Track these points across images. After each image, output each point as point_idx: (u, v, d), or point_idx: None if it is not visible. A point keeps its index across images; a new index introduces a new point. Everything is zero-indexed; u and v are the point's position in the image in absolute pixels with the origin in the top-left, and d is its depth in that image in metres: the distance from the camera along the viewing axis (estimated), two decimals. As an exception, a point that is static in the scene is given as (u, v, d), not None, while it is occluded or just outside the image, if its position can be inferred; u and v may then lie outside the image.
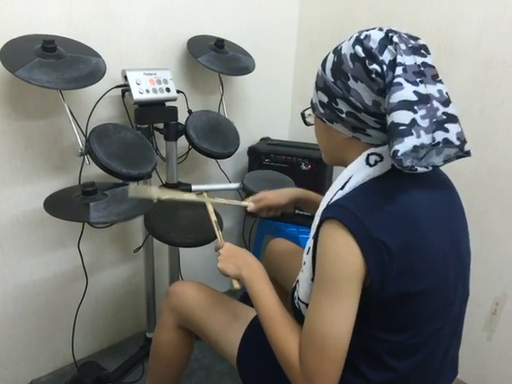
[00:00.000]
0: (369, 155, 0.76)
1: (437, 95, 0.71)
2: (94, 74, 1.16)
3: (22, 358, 1.50)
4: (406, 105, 0.67)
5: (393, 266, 0.69)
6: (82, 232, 1.31)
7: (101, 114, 1.37)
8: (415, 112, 0.68)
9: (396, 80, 0.68)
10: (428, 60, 0.73)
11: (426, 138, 0.68)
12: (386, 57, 0.70)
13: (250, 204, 1.20)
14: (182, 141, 1.46)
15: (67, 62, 1.14)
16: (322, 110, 0.81)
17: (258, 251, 1.91)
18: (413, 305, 0.73)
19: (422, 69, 0.72)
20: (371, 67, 0.70)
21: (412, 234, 0.72)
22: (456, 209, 0.83)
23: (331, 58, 0.79)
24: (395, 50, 0.70)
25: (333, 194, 0.78)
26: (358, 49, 0.72)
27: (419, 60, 0.72)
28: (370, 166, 0.75)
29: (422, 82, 0.70)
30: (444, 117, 0.71)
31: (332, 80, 0.77)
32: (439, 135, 0.70)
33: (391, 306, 0.72)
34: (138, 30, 1.42)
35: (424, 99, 0.69)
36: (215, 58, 1.50)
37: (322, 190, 1.74)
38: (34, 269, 1.43)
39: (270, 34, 1.82)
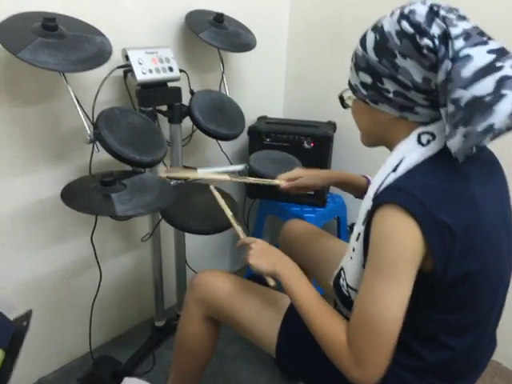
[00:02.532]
0: (420, 134, 0.74)
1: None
2: (100, 55, 1.07)
3: (27, 356, 1.42)
4: (485, 71, 0.63)
5: (456, 247, 0.68)
6: (95, 224, 1.24)
7: (100, 97, 1.28)
8: (500, 69, 0.63)
9: (462, 53, 0.65)
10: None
11: None
12: (435, 30, 0.67)
13: (282, 183, 1.18)
14: (184, 123, 1.40)
15: (70, 41, 1.05)
16: (364, 92, 0.78)
17: (259, 232, 1.89)
18: (471, 284, 0.73)
19: (480, 29, 0.69)
20: (422, 43, 0.68)
21: (471, 213, 0.70)
22: (504, 186, 0.83)
23: (372, 36, 0.75)
24: (444, 22, 0.67)
25: (384, 176, 0.75)
26: (405, 24, 0.70)
27: (471, 24, 0.69)
28: (423, 145, 0.73)
29: (489, 38, 0.67)
30: None
31: (376, 59, 0.74)
32: None
33: (452, 288, 0.72)
34: (133, 6, 1.33)
35: (502, 51, 0.66)
36: (216, 33, 1.43)
37: (324, 167, 1.73)
38: (36, 263, 1.36)
39: (262, 9, 1.75)
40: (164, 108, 1.37)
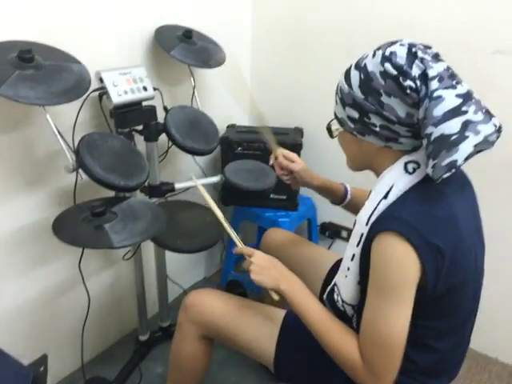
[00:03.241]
0: (406, 163, 0.81)
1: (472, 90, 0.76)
2: (80, 84, 1.07)
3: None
4: (453, 113, 0.71)
5: (444, 266, 0.76)
6: (82, 252, 1.23)
7: (73, 120, 1.26)
8: (465, 113, 0.71)
9: (435, 94, 0.72)
10: (448, 64, 0.78)
11: (487, 128, 0.72)
12: (416, 71, 0.74)
13: (279, 154, 1.20)
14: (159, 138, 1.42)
15: (48, 72, 1.04)
16: (351, 125, 0.84)
17: (234, 238, 1.92)
18: (455, 294, 0.82)
19: (451, 71, 0.76)
20: (406, 84, 0.74)
21: (456, 233, 0.79)
22: (473, 197, 0.91)
23: (356, 74, 0.81)
24: (422, 63, 0.74)
25: (376, 203, 0.81)
26: (388, 66, 0.75)
27: (444, 65, 0.76)
28: (410, 173, 0.80)
29: (457, 82, 0.74)
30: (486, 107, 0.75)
31: (362, 97, 0.79)
32: (496, 121, 0.74)
33: (438, 299, 0.80)
34: (100, 25, 1.32)
35: (468, 96, 0.73)
36: (186, 50, 1.44)
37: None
38: (17, 290, 1.34)
39: (224, 18, 1.77)
40: (140, 127, 1.38)
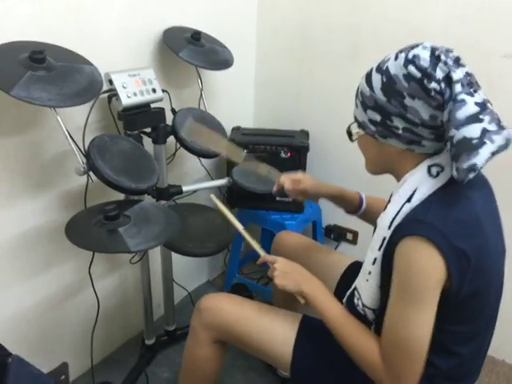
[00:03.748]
0: (430, 167, 0.80)
1: (487, 98, 0.76)
2: (92, 86, 1.05)
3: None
4: (473, 118, 0.71)
5: (469, 269, 0.75)
6: (92, 257, 1.21)
7: (82, 123, 1.24)
8: (482, 121, 0.72)
9: (459, 97, 0.72)
10: (468, 69, 0.77)
11: (500, 139, 0.72)
12: (440, 74, 0.74)
13: (286, 182, 1.17)
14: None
15: (60, 73, 1.02)
16: (373, 128, 0.83)
17: (239, 241, 1.91)
18: (480, 298, 0.81)
19: (469, 78, 0.76)
20: (430, 86, 0.74)
21: (481, 237, 0.78)
22: (494, 201, 0.90)
23: (378, 77, 0.80)
24: (446, 66, 0.74)
25: (399, 206, 0.81)
26: (412, 69, 0.75)
27: (464, 70, 0.76)
28: (433, 177, 0.79)
29: (475, 91, 0.74)
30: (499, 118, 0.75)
31: (385, 99, 0.79)
32: (506, 133, 0.74)
33: (463, 303, 0.79)
34: (110, 27, 1.30)
35: (484, 106, 0.73)
36: (195, 52, 1.43)
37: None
38: (22, 295, 1.31)
39: (229, 19, 1.76)
40: (148, 129, 1.36)
